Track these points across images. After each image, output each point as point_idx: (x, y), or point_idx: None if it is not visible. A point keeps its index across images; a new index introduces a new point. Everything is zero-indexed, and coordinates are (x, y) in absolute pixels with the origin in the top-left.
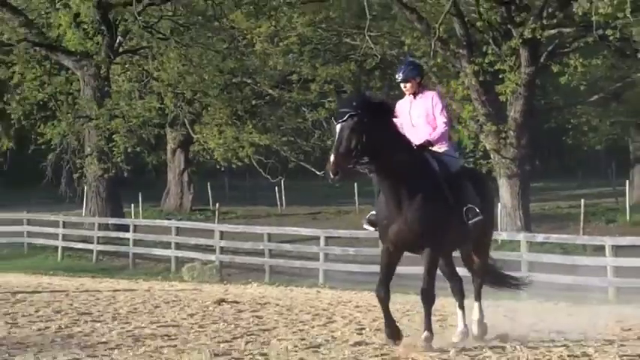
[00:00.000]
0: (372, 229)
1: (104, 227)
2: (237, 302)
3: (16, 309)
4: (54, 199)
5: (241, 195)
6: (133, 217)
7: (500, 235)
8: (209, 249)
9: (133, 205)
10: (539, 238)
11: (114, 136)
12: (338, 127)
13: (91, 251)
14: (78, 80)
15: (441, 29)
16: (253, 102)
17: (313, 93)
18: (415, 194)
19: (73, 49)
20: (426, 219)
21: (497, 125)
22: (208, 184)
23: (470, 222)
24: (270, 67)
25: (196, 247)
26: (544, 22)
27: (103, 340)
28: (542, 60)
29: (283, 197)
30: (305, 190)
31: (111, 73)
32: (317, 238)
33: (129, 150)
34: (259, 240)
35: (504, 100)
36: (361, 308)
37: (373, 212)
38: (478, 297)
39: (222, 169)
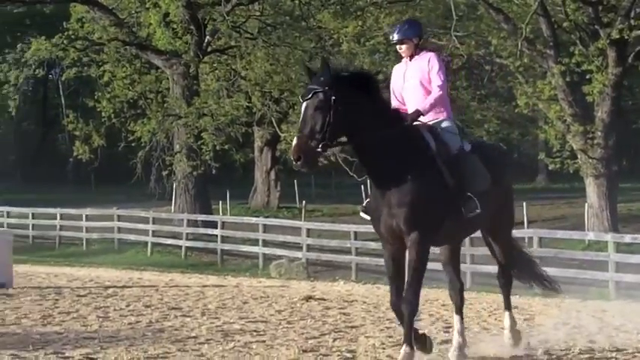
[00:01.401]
0: (367, 217)
1: (193, 224)
2: (324, 299)
3: (107, 303)
4: (144, 196)
5: (327, 193)
6: (221, 214)
7: (588, 235)
8: (296, 246)
9: (220, 202)
10: (627, 238)
11: (202, 134)
12: (302, 106)
13: (180, 247)
14: (167, 79)
15: (527, 29)
16: None
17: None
18: (402, 177)
19: (163, 49)
20: (414, 205)
21: (584, 126)
22: (295, 181)
23: (468, 215)
24: (357, 66)
25: (283, 245)
26: (632, 22)
27: (193, 334)
28: (629, 60)
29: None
30: None
31: (199, 72)
32: None
33: (217, 148)
34: (345, 238)
35: (591, 100)
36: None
37: (369, 199)
38: (508, 305)
39: None
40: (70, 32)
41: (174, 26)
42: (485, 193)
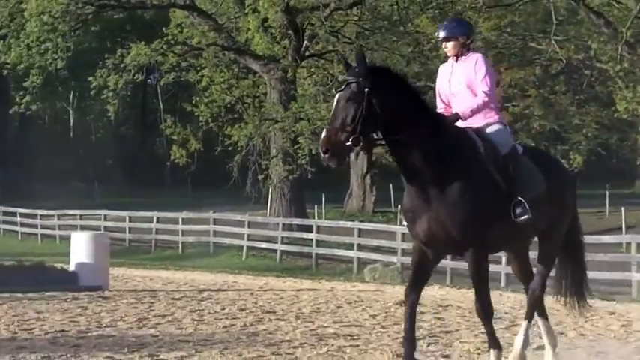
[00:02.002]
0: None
1: (288, 227)
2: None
3: (202, 306)
4: (240, 200)
5: None
6: (316, 218)
7: None
8: (391, 251)
9: (316, 206)
10: None
11: (299, 138)
12: (335, 98)
13: (275, 251)
14: (264, 83)
15: (628, 33)
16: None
17: (497, 97)
18: (447, 180)
19: (261, 53)
20: (464, 212)
21: None
22: (391, 186)
23: (517, 220)
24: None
25: (378, 249)
26: None
27: (287, 338)
28: None
29: None
30: None
31: (297, 76)
32: None
33: (313, 152)
34: None
35: None
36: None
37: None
38: (528, 315)
39: None
40: (169, 37)
41: (273, 31)
42: (541, 198)
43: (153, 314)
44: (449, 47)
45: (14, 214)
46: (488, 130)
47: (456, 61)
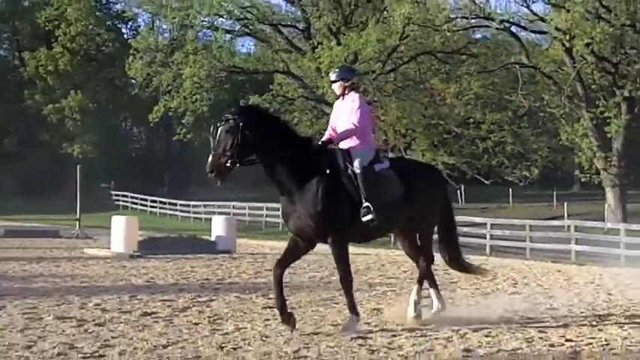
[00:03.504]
0: None
1: None
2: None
3: (295, 264)
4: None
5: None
6: None
7: (607, 224)
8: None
9: None
10: (634, 226)
11: None
12: (218, 131)
13: None
14: None
15: (568, 90)
16: (444, 136)
17: (483, 130)
18: (306, 188)
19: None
20: (317, 210)
21: (605, 153)
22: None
23: (362, 219)
24: (455, 114)
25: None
26: (638, 85)
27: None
28: (636, 110)
29: (463, 197)
30: (478, 192)
31: None
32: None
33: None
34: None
35: (610, 136)
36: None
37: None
38: (419, 280)
39: None
40: (274, 91)
41: None
42: (397, 200)
43: (264, 269)
44: (335, 87)
45: (175, 204)
46: (355, 150)
47: (342, 98)
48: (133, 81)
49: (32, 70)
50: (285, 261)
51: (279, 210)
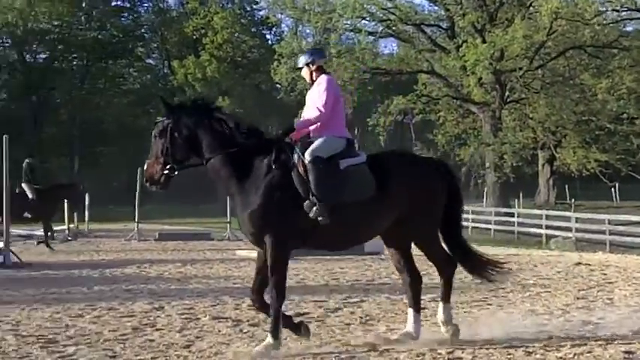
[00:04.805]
0: None
1: (497, 214)
2: (589, 264)
3: None
4: (465, 197)
5: (589, 193)
6: (516, 207)
7: None
8: (567, 229)
9: (516, 200)
10: None
11: (504, 156)
12: (152, 137)
13: (489, 230)
14: (480, 120)
15: None
16: (596, 132)
17: (637, 126)
18: (248, 187)
19: (478, 100)
20: (255, 211)
21: None
22: (566, 186)
23: (319, 220)
24: (608, 110)
25: (558, 228)
26: None
27: (502, 286)
28: None
29: (617, 195)
30: (633, 190)
31: (502, 115)
32: None
33: (513, 164)
34: (601, 223)
35: None
36: None
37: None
38: (442, 298)
39: (575, 176)
40: (418, 91)
41: (486, 86)
42: (368, 203)
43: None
44: (302, 74)
45: None
46: (318, 140)
47: (312, 84)
48: (278, 85)
49: (181, 78)
50: (259, 284)
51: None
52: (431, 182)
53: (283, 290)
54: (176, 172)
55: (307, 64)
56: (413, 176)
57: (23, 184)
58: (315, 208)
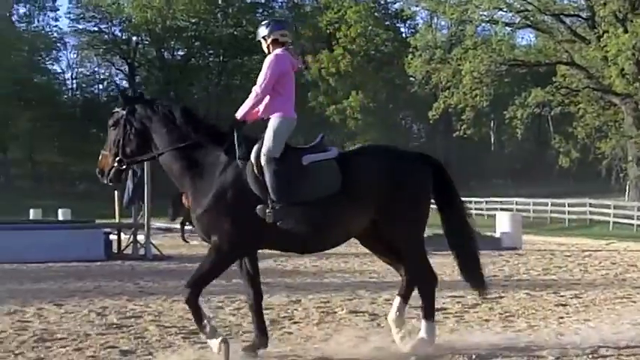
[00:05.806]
0: None
1: None
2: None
3: (585, 261)
4: (606, 190)
5: None
6: None
7: None
8: None
9: None
10: None
11: None
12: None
13: (632, 225)
14: (622, 112)
15: None
16: None
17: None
18: (200, 184)
19: (619, 92)
20: (204, 210)
21: None
22: None
23: (277, 223)
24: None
25: None
26: None
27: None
28: None
29: None
30: None
31: None
32: None
33: None
34: None
35: None
36: None
37: None
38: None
39: None
40: (557, 83)
41: (628, 77)
42: (333, 201)
43: (552, 266)
44: (264, 48)
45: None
46: (266, 138)
47: None
48: (411, 79)
49: (315, 73)
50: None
51: (564, 206)
52: (410, 179)
53: (203, 285)
54: (124, 166)
55: (264, 37)
56: (389, 172)
57: None
58: (268, 211)
